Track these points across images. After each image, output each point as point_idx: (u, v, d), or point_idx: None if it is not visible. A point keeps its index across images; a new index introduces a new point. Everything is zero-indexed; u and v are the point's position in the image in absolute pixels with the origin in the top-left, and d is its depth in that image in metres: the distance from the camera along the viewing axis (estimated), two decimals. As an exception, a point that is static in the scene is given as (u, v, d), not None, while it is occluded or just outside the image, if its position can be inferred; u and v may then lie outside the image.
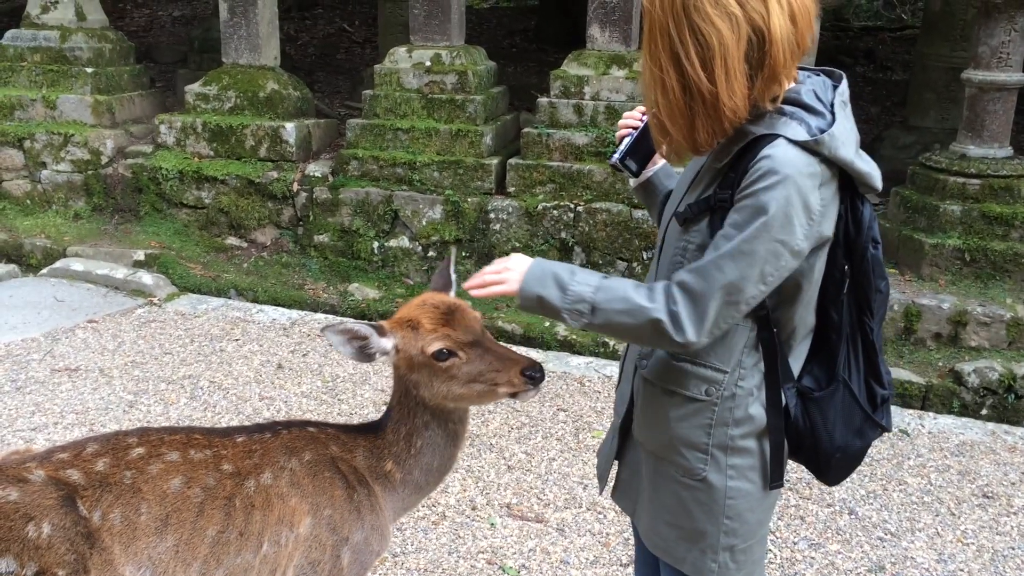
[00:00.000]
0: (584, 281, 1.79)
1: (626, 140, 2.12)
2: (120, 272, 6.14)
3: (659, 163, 2.15)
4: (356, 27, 12.26)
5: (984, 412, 4.88)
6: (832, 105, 1.74)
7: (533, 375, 2.02)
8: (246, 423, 4.31)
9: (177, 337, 5.34)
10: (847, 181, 1.74)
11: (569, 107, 6.24)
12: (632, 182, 2.22)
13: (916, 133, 7.25)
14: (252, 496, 2.02)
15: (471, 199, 6.24)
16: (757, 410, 1.84)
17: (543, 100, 6.35)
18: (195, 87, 7.07)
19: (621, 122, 2.15)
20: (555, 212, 6.06)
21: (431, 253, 6.34)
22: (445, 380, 2.06)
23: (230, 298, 6.11)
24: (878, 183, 1.75)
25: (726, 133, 1.72)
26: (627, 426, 2.05)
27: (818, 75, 1.80)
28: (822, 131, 1.67)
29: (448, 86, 6.51)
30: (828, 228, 1.74)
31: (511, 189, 6.25)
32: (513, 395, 2.05)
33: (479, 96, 6.46)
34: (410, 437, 2.18)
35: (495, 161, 6.34)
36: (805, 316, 1.83)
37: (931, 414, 4.79)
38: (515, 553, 3.44)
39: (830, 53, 11.75)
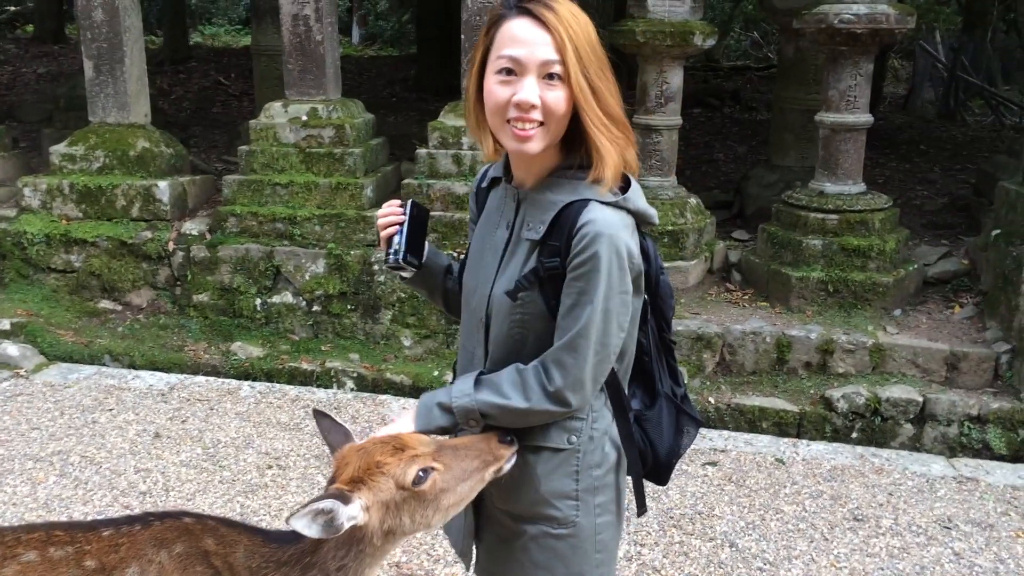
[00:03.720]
0: (462, 392, 1.87)
1: (396, 238, 1.97)
2: (-18, 344, 5.82)
3: (426, 248, 2.08)
4: (232, 80, 12.12)
5: (854, 435, 5.13)
6: None
7: (505, 438, 1.89)
8: (120, 498, 4.14)
9: (46, 410, 5.09)
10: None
11: (448, 157, 6.32)
12: (406, 275, 2.07)
13: (779, 172, 7.64)
14: None
15: (354, 252, 6.21)
16: (610, 447, 1.95)
17: (422, 151, 6.41)
18: (61, 148, 6.82)
19: (381, 221, 2.02)
20: (438, 261, 6.08)
21: (316, 308, 6.26)
22: (433, 499, 1.86)
23: (104, 365, 5.87)
24: (656, 219, 1.93)
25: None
26: (477, 501, 2.01)
27: None
28: (622, 189, 1.84)
29: (326, 140, 6.50)
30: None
31: (394, 240, 6.24)
32: (499, 469, 1.90)
33: (358, 149, 6.47)
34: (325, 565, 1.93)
35: (377, 213, 6.32)
36: (631, 348, 1.96)
37: (805, 441, 5.00)
38: (405, 614, 3.40)
39: (698, 96, 12.29)
